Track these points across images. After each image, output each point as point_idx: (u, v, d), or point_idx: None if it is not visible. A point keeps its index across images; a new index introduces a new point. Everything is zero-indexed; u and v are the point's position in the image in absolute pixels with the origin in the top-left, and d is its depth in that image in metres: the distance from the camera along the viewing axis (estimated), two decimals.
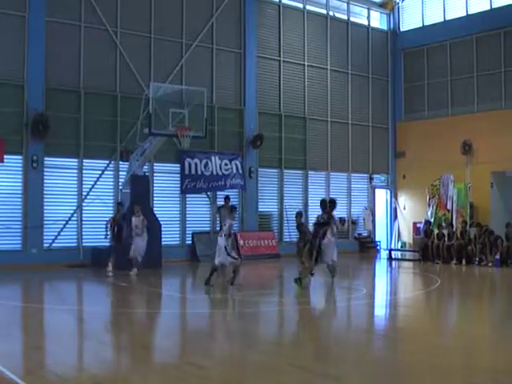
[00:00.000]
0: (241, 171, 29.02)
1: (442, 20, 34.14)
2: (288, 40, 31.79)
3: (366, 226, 34.09)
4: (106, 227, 22.94)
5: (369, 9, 35.58)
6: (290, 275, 21.88)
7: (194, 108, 24.55)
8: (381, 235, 35.06)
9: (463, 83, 32.99)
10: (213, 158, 28.28)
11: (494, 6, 32.09)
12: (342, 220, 32.86)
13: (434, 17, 34.65)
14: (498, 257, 25.84)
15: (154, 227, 23.94)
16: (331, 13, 33.80)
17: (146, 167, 26.36)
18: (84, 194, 25.59)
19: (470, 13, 33.02)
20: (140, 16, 27.17)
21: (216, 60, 29.22)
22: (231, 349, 11.18)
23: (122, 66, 26.58)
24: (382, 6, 36.06)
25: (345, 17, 34.44)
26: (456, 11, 33.65)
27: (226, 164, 28.68)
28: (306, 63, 32.40)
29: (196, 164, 27.76)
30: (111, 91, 26.25)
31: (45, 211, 24.69)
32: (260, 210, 30.49)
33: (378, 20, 36.29)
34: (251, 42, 30.26)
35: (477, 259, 26.65)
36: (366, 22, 35.48)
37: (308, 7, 32.79)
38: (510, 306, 16.01)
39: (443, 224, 29.50)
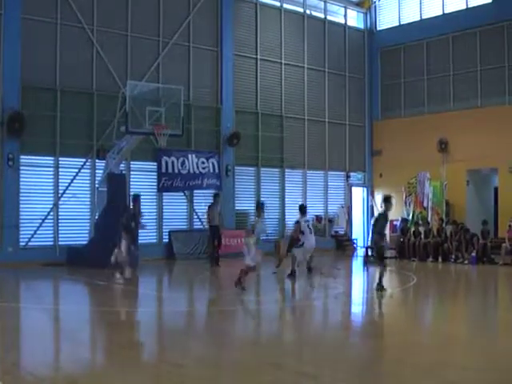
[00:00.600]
0: (217, 170, 29.01)
1: (419, 19, 34.31)
2: (265, 38, 31.80)
3: (339, 223, 34.14)
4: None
5: (345, 7, 35.66)
6: (266, 273, 21.96)
7: (170, 106, 24.52)
8: (358, 233, 35.18)
9: (439, 82, 33.16)
10: (190, 156, 28.23)
11: (469, 6, 32.30)
12: (318, 218, 33.11)
13: (410, 16, 34.82)
14: (473, 254, 26.01)
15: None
16: (308, 11, 33.86)
17: (122, 165, 26.28)
18: (60, 192, 25.47)
19: (446, 12, 33.19)
20: (117, 14, 27.06)
21: (193, 58, 29.17)
22: (209, 347, 11.17)
23: (99, 64, 26.44)
24: (358, 4, 36.16)
25: (322, 15, 34.49)
26: (432, 10, 33.83)
27: (202, 162, 28.65)
28: (282, 61, 32.43)
29: (173, 162, 27.70)
30: (88, 89, 26.11)
31: (21, 209, 24.53)
32: (237, 208, 30.49)
33: (354, 19, 36.38)
34: (228, 40, 30.23)
35: (453, 257, 26.82)
36: (342, 21, 35.56)
37: (285, 5, 32.81)
38: (485, 304, 16.11)
39: (419, 222, 29.67)
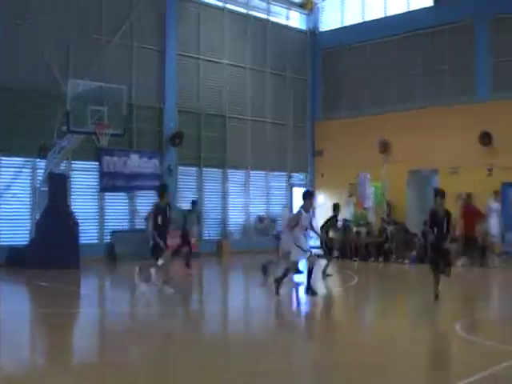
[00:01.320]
0: (159, 171, 28.93)
1: (361, 21, 34.64)
2: (208, 38, 31.76)
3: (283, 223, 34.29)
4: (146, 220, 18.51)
5: (288, 9, 35.85)
6: (211, 274, 21.97)
7: (113, 105, 24.35)
8: None
9: (381, 83, 33.49)
10: (132, 156, 28.12)
11: (411, 9, 32.74)
12: (261, 218, 33.22)
13: (353, 18, 35.12)
14: (413, 254, 26.36)
15: (71, 226, 23.71)
16: (251, 12, 33.92)
17: (63, 165, 26.00)
18: (0, 192, 25.09)
19: (388, 14, 33.58)
20: (58, 12, 26.72)
21: (136, 57, 29.00)
22: (151, 348, 11.12)
23: (40, 61, 26.08)
24: (301, 6, 36.35)
25: (265, 16, 34.59)
26: (374, 13, 34.18)
27: (145, 162, 28.57)
28: (225, 62, 32.44)
29: (115, 162, 27.55)
30: (29, 87, 25.70)
31: None
32: (179, 208, 30.37)
33: (297, 20, 36.56)
34: (171, 39, 30.13)
35: (394, 256, 27.15)
36: (285, 22, 35.73)
37: (228, 6, 32.82)
38: (424, 303, 16.32)
39: (361, 222, 29.97)
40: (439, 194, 15.79)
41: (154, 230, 17.02)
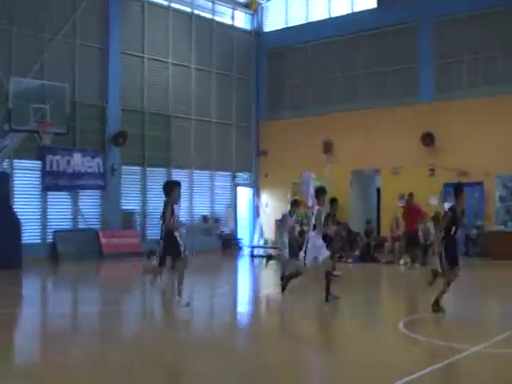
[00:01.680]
0: (102, 170, 28.74)
1: (305, 22, 34.80)
2: (152, 37, 31.59)
3: (228, 223, 34.36)
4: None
5: (233, 9, 35.86)
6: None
7: (55, 104, 24.13)
8: (244, 233, 35.41)
9: (325, 84, 33.69)
10: (75, 155, 27.86)
11: (355, 10, 33.02)
12: (205, 218, 33.19)
13: (297, 18, 35.28)
14: (357, 253, 26.60)
15: (13, 225, 23.42)
16: (196, 11, 33.85)
17: (5, 164, 25.65)
18: None
19: (332, 16, 33.80)
20: (0, 10, 26.33)
21: (79, 55, 28.70)
22: (93, 348, 11.04)
23: None
24: (246, 6, 36.40)
25: (209, 16, 34.56)
26: (319, 13, 34.36)
27: (88, 161, 28.34)
28: (170, 61, 32.30)
29: (58, 161, 27.27)
30: None
31: None
32: (123, 207, 30.22)
33: (242, 20, 36.60)
34: (115, 38, 29.88)
35: (337, 255, 27.32)
36: (230, 22, 35.74)
37: (173, 5, 32.69)
38: (367, 301, 16.47)
39: (304, 221, 30.09)
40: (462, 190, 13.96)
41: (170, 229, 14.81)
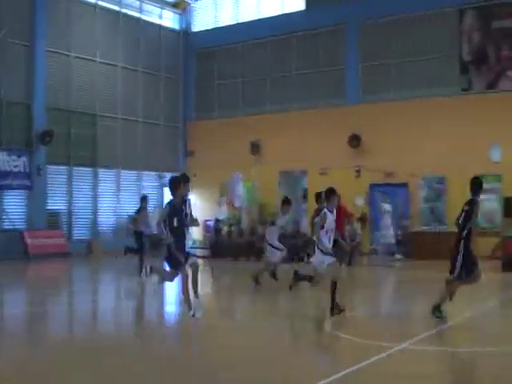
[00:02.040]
0: (28, 170, 28.31)
1: (235, 22, 34.84)
2: (79, 35, 31.22)
3: (154, 224, 34.11)
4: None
5: (162, 8, 35.68)
6: (80, 274, 21.63)
7: None
8: None
9: (254, 85, 33.85)
10: (0, 154, 27.38)
11: (285, 12, 33.18)
12: (133, 218, 32.89)
13: (226, 18, 35.29)
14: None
15: None
16: (124, 10, 33.58)
17: None
18: None
19: (261, 17, 33.89)
20: None
21: (3, 53, 28.17)
22: (17, 349, 10.87)
23: None
24: (174, 5, 36.25)
25: (137, 14, 34.32)
26: (248, 14, 34.43)
27: (14, 160, 27.88)
28: (97, 59, 31.98)
29: None
30: None
31: None
32: (49, 208, 29.80)
33: (170, 19, 36.43)
34: (40, 35, 29.41)
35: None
36: (158, 21, 35.54)
37: (100, 3, 32.36)
38: (296, 302, 16.55)
39: (232, 221, 30.18)
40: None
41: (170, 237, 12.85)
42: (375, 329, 12.69)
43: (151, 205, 34.18)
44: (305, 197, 31.98)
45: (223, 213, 31.59)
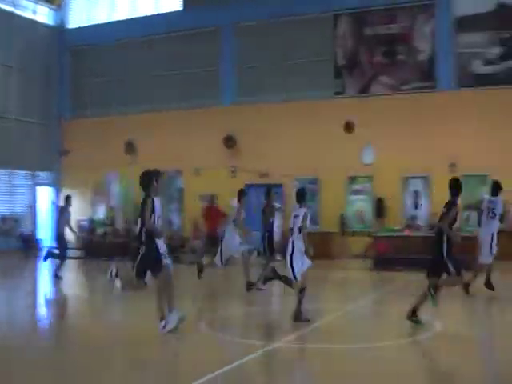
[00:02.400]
0: None
1: (111, 20, 34.54)
2: None
3: (27, 224, 33.51)
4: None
5: (35, 3, 34.98)
6: None
7: None
8: (44, 233, 34.61)
9: (128, 84, 33.66)
10: None
11: (160, 11, 33.15)
12: (4, 218, 32.20)
13: (101, 16, 34.93)
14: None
15: None
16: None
17: None
18: None
19: (137, 15, 33.73)
20: None
21: None
22: None
23: None
24: (48, 1, 35.60)
25: (10, 9, 33.50)
26: (124, 13, 34.20)
27: None
28: None
29: None
30: None
31: None
32: None
33: (45, 15, 35.74)
34: None
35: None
36: (32, 16, 34.82)
37: None
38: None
39: (106, 221, 29.95)
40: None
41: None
42: (248, 327, 12.87)
43: (25, 204, 33.60)
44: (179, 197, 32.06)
45: (98, 213, 31.28)
